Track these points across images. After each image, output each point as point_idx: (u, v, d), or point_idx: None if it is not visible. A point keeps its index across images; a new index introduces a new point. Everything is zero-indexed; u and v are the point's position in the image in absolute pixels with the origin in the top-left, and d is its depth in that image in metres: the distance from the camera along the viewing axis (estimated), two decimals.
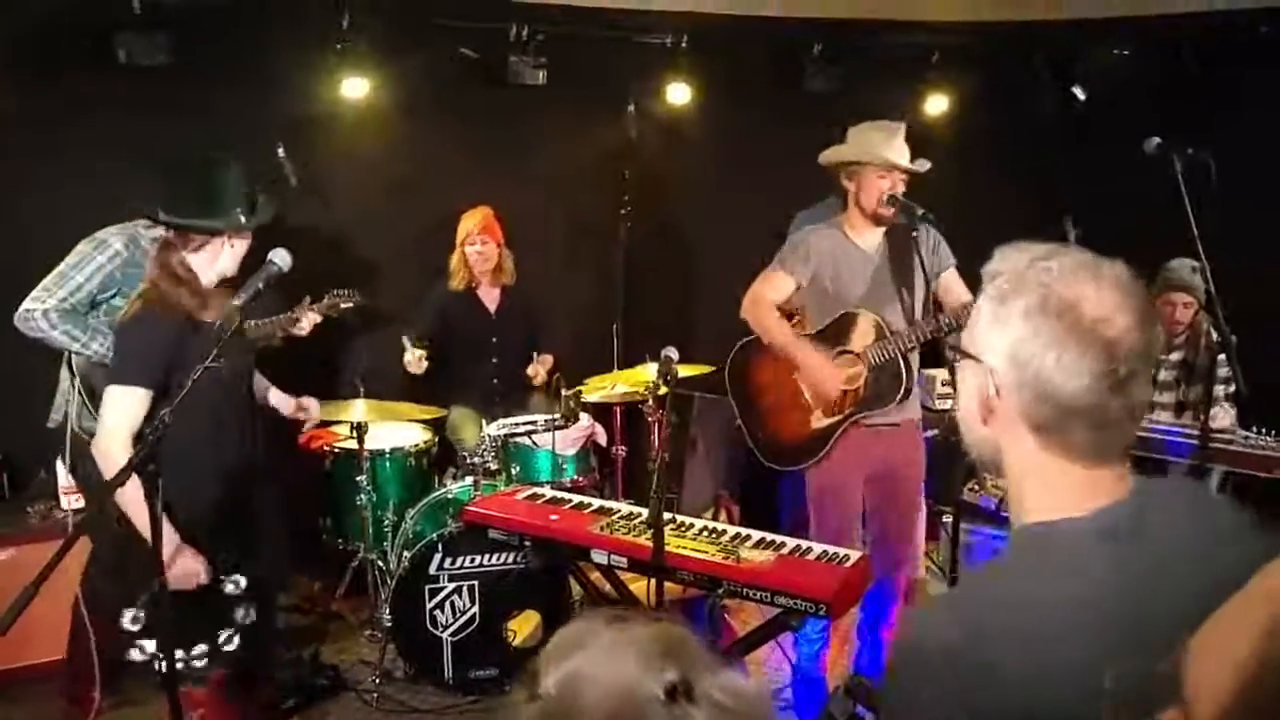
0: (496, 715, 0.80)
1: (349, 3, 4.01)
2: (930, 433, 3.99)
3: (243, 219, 2.36)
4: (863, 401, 2.93)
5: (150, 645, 2.20)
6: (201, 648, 2.17)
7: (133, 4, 3.62)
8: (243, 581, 2.31)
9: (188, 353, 2.23)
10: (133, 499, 2.04)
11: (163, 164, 2.48)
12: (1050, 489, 1.05)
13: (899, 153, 2.89)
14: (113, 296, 3.04)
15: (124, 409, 2.19)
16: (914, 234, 2.85)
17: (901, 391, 2.90)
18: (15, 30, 3.59)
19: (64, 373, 3.15)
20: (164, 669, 2.04)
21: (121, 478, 1.83)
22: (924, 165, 2.95)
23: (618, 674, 0.77)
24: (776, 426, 3.09)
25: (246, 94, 3.96)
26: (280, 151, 3.64)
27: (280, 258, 2.26)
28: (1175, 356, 4.00)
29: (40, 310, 2.90)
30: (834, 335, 2.97)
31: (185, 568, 2.21)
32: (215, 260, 2.38)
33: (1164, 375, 4.02)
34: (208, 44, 3.87)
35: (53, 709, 3.20)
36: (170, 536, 2.15)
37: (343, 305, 3.67)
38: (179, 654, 2.09)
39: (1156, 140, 2.79)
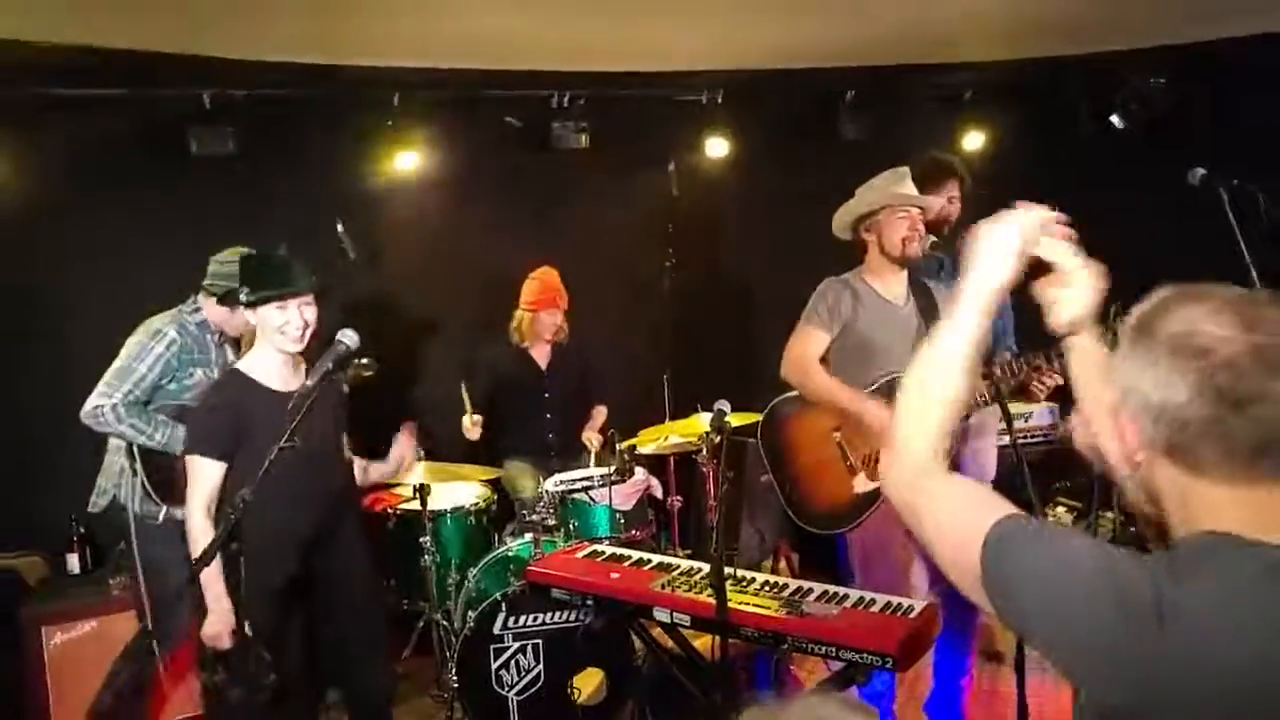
0: None
1: (399, 82, 4.20)
2: None
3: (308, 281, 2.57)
4: None
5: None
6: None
7: (203, 100, 3.89)
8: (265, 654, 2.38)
9: (256, 421, 2.36)
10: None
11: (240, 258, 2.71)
12: (1208, 512, 1.02)
13: (911, 190, 2.95)
14: (169, 383, 3.11)
15: (197, 479, 2.33)
16: (930, 285, 2.88)
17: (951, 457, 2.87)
18: (98, 124, 3.83)
19: (111, 459, 3.20)
20: None
21: (208, 557, 1.92)
22: (936, 202, 2.99)
23: None
24: (814, 489, 2.98)
25: (306, 175, 4.19)
26: (339, 228, 3.81)
27: (349, 338, 2.37)
28: None
29: (109, 405, 2.96)
30: (885, 398, 2.91)
31: (214, 626, 2.34)
32: (265, 338, 2.55)
33: None
34: (269, 132, 4.10)
35: None
36: (216, 595, 2.30)
37: (364, 375, 3.77)
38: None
39: (1201, 171, 2.74)
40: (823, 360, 2.99)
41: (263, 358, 2.60)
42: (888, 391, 2.90)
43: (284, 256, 2.59)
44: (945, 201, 3.26)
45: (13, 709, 3.46)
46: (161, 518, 3.09)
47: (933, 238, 2.91)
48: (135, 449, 3.08)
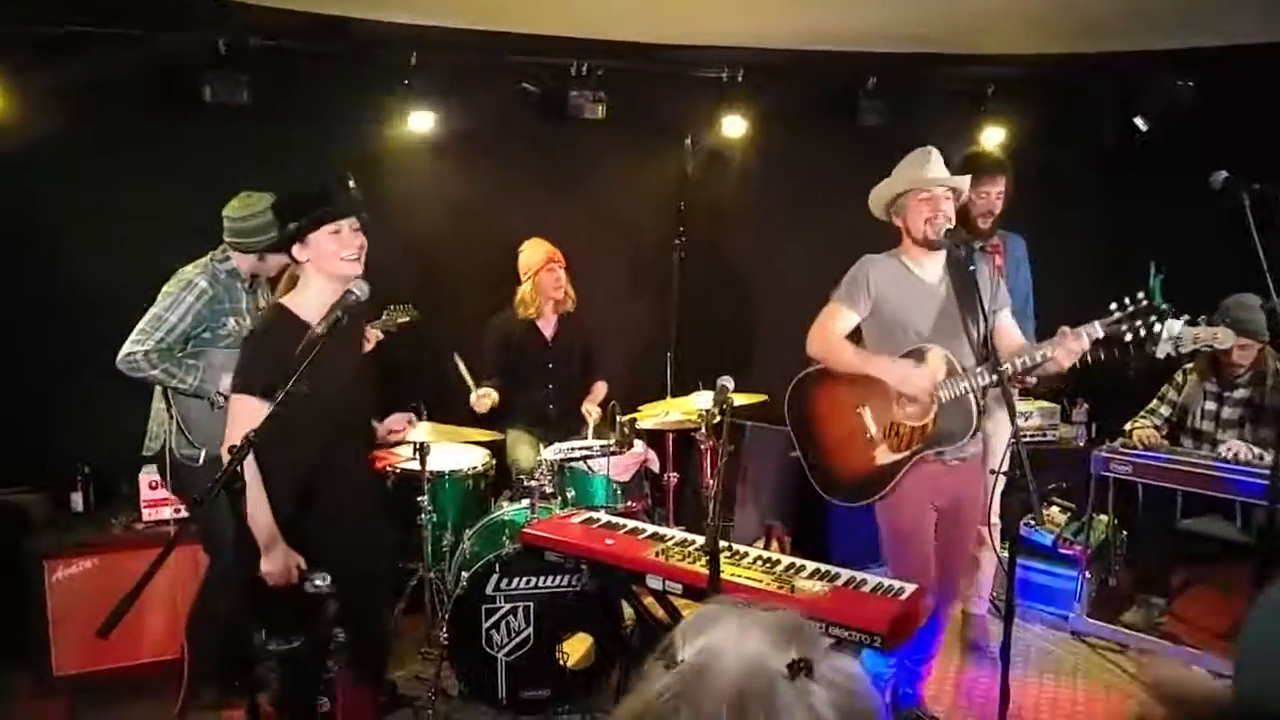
0: (633, 685, 0.87)
1: (417, 40, 4.17)
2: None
3: (338, 203, 2.49)
4: (930, 438, 2.88)
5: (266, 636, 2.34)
6: (301, 639, 2.27)
7: (219, 45, 3.85)
8: (327, 579, 2.38)
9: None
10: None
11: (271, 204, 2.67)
12: None
13: (935, 172, 2.93)
14: (203, 331, 3.21)
15: (239, 417, 2.32)
16: (971, 268, 2.86)
17: (972, 430, 2.88)
18: (112, 65, 3.77)
19: (158, 404, 3.30)
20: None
21: (212, 492, 1.94)
22: (963, 181, 2.98)
23: (749, 649, 0.85)
24: (838, 460, 3.03)
25: (319, 128, 4.15)
26: (351, 183, 3.80)
27: (358, 287, 2.37)
28: (1240, 394, 3.96)
29: (141, 352, 3.08)
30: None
31: (276, 564, 2.32)
32: (323, 267, 2.48)
33: (1228, 413, 3.98)
34: (285, 82, 4.07)
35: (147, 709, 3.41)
36: (270, 535, 2.30)
37: (400, 320, 3.78)
38: (279, 644, 2.22)
39: (1224, 174, 2.78)
40: (856, 339, 3.01)
41: (312, 294, 2.49)
42: (917, 359, 2.91)
43: (319, 186, 2.53)
44: (981, 184, 3.33)
45: (14, 639, 3.52)
46: (201, 459, 3.20)
47: (950, 225, 2.90)
48: (170, 394, 3.21)
